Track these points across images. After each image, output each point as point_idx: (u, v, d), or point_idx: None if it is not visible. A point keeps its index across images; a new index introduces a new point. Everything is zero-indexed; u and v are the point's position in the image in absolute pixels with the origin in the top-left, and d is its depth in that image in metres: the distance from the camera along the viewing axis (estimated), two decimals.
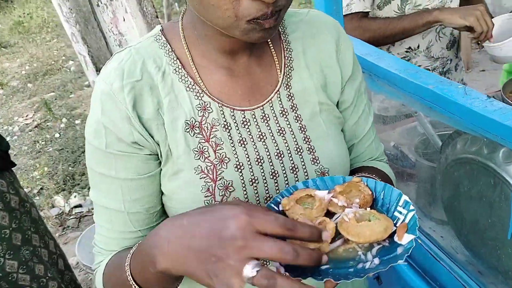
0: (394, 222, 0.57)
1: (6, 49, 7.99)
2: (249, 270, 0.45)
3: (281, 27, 0.75)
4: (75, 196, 3.42)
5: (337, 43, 0.76)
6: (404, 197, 0.59)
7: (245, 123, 0.69)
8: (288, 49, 0.74)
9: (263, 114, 0.71)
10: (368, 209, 0.60)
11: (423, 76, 0.94)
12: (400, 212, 0.58)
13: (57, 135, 4.54)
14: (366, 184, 0.63)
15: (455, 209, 0.97)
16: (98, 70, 1.96)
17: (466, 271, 0.99)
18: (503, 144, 0.76)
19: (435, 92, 0.87)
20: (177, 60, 0.68)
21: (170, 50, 0.68)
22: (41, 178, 3.78)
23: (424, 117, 1.14)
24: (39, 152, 4.28)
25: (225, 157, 0.68)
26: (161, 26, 0.72)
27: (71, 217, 3.30)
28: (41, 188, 3.65)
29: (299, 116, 0.73)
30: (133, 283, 0.59)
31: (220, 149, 0.68)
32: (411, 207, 0.57)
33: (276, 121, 0.71)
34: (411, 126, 1.32)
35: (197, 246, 0.49)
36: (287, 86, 0.72)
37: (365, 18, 1.44)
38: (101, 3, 1.95)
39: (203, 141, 0.67)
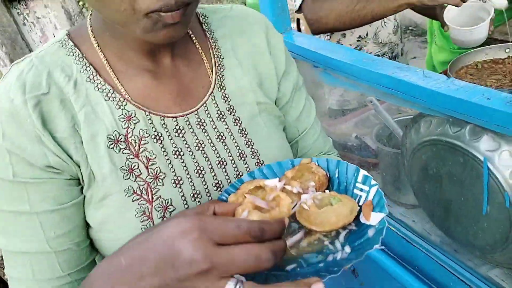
0: (356, 201, 0.52)
1: None
2: (231, 285, 0.38)
3: (205, 25, 0.70)
4: None
5: (267, 38, 0.73)
6: (362, 172, 0.53)
7: (179, 131, 0.63)
8: (217, 47, 0.68)
9: (199, 120, 0.64)
10: (327, 191, 0.54)
11: (380, 64, 0.94)
12: (361, 189, 0.53)
13: None
14: (317, 164, 0.58)
15: (425, 191, 0.97)
16: None
17: (442, 251, 1.00)
18: (470, 121, 0.77)
19: (395, 78, 0.87)
20: (90, 66, 0.59)
21: (80, 56, 0.60)
22: None
23: (380, 105, 1.15)
24: None
25: (160, 172, 0.60)
26: (67, 30, 0.64)
27: None
28: None
29: (238, 119, 0.68)
30: None
31: (153, 164, 0.60)
32: (373, 182, 0.51)
33: (214, 126, 0.66)
34: (368, 115, 1.33)
35: (149, 286, 0.40)
36: (221, 87, 0.67)
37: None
38: (28, 21, 1.81)
39: (132, 156, 0.59)
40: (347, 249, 0.46)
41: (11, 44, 1.73)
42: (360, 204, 0.52)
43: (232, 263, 0.38)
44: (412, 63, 4.18)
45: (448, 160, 0.86)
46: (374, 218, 0.48)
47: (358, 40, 1.54)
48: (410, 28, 4.86)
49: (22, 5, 1.79)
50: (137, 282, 0.40)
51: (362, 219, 0.49)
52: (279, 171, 0.60)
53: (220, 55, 0.68)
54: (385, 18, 1.51)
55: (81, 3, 1.90)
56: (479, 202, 0.82)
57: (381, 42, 1.58)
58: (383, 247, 0.67)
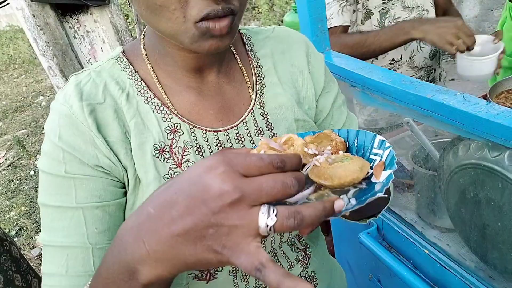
0: (371, 164, 0.51)
1: None
2: (265, 218, 0.37)
3: (248, 45, 0.73)
4: None
5: (308, 57, 0.75)
6: (379, 137, 0.53)
7: (219, 144, 0.65)
8: (258, 66, 0.71)
9: (238, 135, 0.67)
10: (341, 152, 0.54)
11: (418, 86, 0.95)
12: (376, 154, 0.52)
13: (32, 172, 4.39)
14: (337, 134, 0.58)
15: (462, 215, 0.96)
16: None
17: (477, 277, 0.99)
18: (510, 146, 0.77)
19: (434, 101, 0.88)
20: (142, 82, 0.64)
21: (133, 71, 0.64)
22: (18, 218, 3.63)
23: (416, 126, 1.15)
24: (14, 191, 4.12)
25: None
26: (122, 47, 0.68)
27: None
28: (20, 229, 3.50)
29: (275, 135, 0.70)
30: None
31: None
32: (387, 145, 0.51)
33: (252, 141, 0.68)
34: (404, 136, 1.33)
35: (182, 228, 0.39)
36: (261, 104, 0.69)
37: (343, 34, 1.46)
38: (78, 35, 1.92)
39: (175, 166, 0.62)
40: (353, 201, 0.46)
41: (62, 55, 1.83)
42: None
43: (261, 190, 0.38)
44: (450, 85, 4.12)
45: (486, 184, 0.85)
46: (383, 176, 0.48)
47: (390, 63, 1.56)
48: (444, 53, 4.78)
49: (74, 19, 1.90)
50: (169, 227, 0.39)
51: (373, 179, 0.48)
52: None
53: (261, 74, 0.71)
54: (420, 43, 1.54)
55: (129, 19, 2.00)
56: None
57: (416, 66, 1.58)
58: (386, 195, 0.66)
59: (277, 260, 0.72)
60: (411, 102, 0.95)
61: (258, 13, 7.08)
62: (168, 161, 0.62)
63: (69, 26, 1.89)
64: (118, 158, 0.60)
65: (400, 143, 1.31)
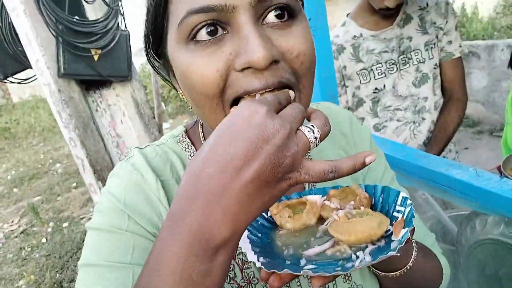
0: (394, 221, 0.50)
1: None
2: (311, 134, 0.42)
3: None
4: None
5: (352, 131, 0.75)
6: (402, 194, 0.52)
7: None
8: None
9: None
10: (362, 208, 0.53)
11: (432, 160, 0.97)
12: (399, 211, 0.51)
13: (43, 240, 4.38)
14: (364, 189, 0.57)
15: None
16: (95, 172, 1.96)
17: None
18: None
19: (447, 175, 0.90)
20: None
21: (194, 151, 0.65)
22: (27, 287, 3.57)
23: (433, 200, 1.15)
24: (25, 259, 4.08)
25: (253, 277, 0.60)
26: (185, 127, 0.69)
27: None
28: None
29: None
30: None
31: (247, 268, 0.60)
32: (408, 202, 0.50)
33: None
34: (419, 208, 1.32)
35: (252, 174, 0.38)
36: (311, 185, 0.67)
37: None
38: (100, 108, 2.02)
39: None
40: (368, 258, 0.45)
41: (83, 127, 1.92)
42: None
43: (295, 117, 0.42)
44: (464, 154, 4.13)
45: (506, 260, 0.84)
46: (401, 233, 0.46)
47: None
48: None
49: (97, 93, 2.02)
50: (239, 178, 0.38)
51: (393, 236, 0.47)
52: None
53: (309, 156, 0.70)
54: (401, 71, 1.52)
55: (147, 90, 2.11)
56: None
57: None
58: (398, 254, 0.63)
59: None
60: (425, 177, 0.96)
61: None
62: None
63: (92, 100, 1.99)
64: None
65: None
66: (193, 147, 0.65)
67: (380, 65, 1.50)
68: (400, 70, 1.51)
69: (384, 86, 1.52)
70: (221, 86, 0.48)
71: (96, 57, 1.83)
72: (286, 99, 0.45)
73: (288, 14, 0.48)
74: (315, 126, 0.42)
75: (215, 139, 0.40)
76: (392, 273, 0.60)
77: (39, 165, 6.72)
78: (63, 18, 1.71)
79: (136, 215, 0.57)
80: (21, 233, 4.67)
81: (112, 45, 1.86)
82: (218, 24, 0.46)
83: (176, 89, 0.59)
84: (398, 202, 0.52)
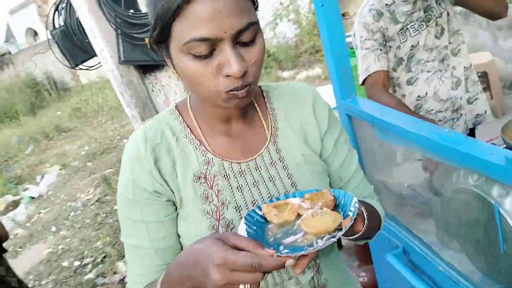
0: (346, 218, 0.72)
1: (66, 133, 8.82)
2: None
3: (267, 98, 0.94)
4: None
5: (313, 104, 0.94)
6: (355, 199, 0.74)
7: (241, 173, 0.85)
8: (273, 114, 0.92)
9: (256, 165, 0.86)
10: (325, 209, 0.74)
11: (418, 125, 1.15)
12: (352, 211, 0.73)
13: (115, 207, 4.93)
14: (332, 193, 0.79)
15: (461, 233, 1.12)
16: None
17: None
18: (484, 174, 0.95)
19: (425, 137, 1.08)
20: (187, 128, 0.86)
21: (181, 120, 0.87)
22: (103, 247, 4.10)
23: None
24: (100, 223, 4.65)
25: (226, 200, 0.83)
26: (176, 103, 0.94)
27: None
28: (104, 257, 3.95)
29: (286, 166, 0.88)
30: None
31: (221, 194, 0.83)
32: (356, 205, 0.73)
33: (267, 171, 0.87)
34: (419, 167, 1.50)
35: (187, 274, 0.68)
36: (274, 143, 0.89)
37: (386, 92, 1.65)
38: (155, 88, 2.33)
39: (208, 188, 0.83)
40: (320, 242, 0.67)
41: (142, 106, 2.24)
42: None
43: (239, 280, 0.62)
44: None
45: (473, 205, 1.02)
46: (346, 227, 0.70)
47: (417, 99, 1.76)
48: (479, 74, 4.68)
49: (153, 76, 2.32)
50: (190, 270, 0.67)
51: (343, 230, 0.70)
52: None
53: (276, 120, 0.91)
54: (442, 76, 1.74)
55: None
56: (498, 242, 0.97)
57: (442, 99, 1.77)
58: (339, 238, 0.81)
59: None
60: (413, 140, 1.15)
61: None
62: (203, 184, 0.83)
63: (149, 82, 2.30)
64: (167, 184, 0.82)
65: (416, 173, 1.48)
66: (181, 117, 0.88)
67: (413, 23, 1.71)
68: (427, 26, 1.72)
69: (418, 43, 1.73)
70: (213, 82, 0.73)
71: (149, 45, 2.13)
72: (272, 266, 0.63)
73: (251, 40, 0.74)
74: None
75: (189, 254, 0.69)
76: (354, 236, 0.82)
77: (109, 141, 7.34)
78: (120, 13, 2.01)
79: (138, 180, 0.81)
80: (96, 201, 5.26)
81: None
82: (211, 47, 0.72)
83: (174, 71, 0.82)
84: (352, 204, 0.74)
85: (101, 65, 2.34)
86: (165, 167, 0.83)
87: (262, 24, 8.41)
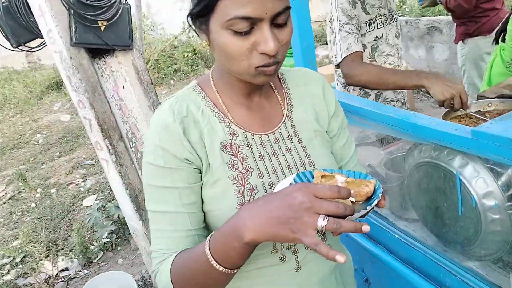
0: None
1: None
2: (321, 220, 0.65)
3: (282, 79, 1.05)
4: (62, 260, 3.48)
5: (323, 89, 1.07)
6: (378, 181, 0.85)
7: (262, 144, 0.94)
8: (288, 93, 1.03)
9: (274, 138, 0.96)
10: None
11: (384, 109, 1.31)
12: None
13: (33, 205, 4.58)
14: (375, 186, 0.84)
15: (421, 203, 1.30)
16: (102, 130, 2.22)
17: (435, 251, 1.31)
18: (447, 146, 1.12)
19: (393, 118, 1.24)
20: (211, 102, 0.94)
21: (205, 95, 0.94)
22: (22, 246, 3.81)
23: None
24: (16, 222, 4.30)
25: (250, 167, 0.91)
26: (196, 80, 1.00)
27: (59, 280, 3.35)
28: (24, 256, 3.67)
29: (301, 140, 0.98)
30: (213, 260, 0.76)
31: (245, 162, 0.91)
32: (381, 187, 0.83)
33: (284, 143, 0.97)
34: (376, 148, 1.68)
35: (276, 215, 0.68)
36: (290, 118, 1.00)
37: (368, 63, 1.83)
38: (105, 74, 2.26)
39: (234, 156, 0.91)
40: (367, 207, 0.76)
41: (92, 91, 2.16)
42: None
43: (322, 206, 0.66)
44: None
45: (434, 176, 1.19)
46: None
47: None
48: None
49: (102, 61, 2.25)
50: (268, 213, 0.69)
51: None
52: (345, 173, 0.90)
53: (290, 98, 1.02)
54: (390, 24, 1.97)
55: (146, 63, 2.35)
56: (456, 206, 1.14)
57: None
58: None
59: None
60: (377, 120, 1.30)
61: None
62: (229, 153, 0.91)
63: (98, 67, 2.23)
64: (196, 153, 0.88)
65: (376, 154, 1.66)
66: (203, 92, 0.95)
67: (380, 17, 1.90)
68: (390, 24, 1.94)
69: (382, 35, 1.93)
70: (247, 57, 0.81)
71: (102, 28, 2.07)
72: (343, 193, 0.69)
73: (284, 22, 0.82)
74: (327, 219, 0.66)
75: (271, 194, 0.73)
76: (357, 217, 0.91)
77: (19, 136, 6.77)
78: None
79: (168, 148, 0.86)
80: (9, 199, 4.84)
81: (116, 17, 2.10)
82: (251, 25, 0.79)
83: (207, 44, 0.89)
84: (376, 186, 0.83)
85: (45, 46, 2.22)
86: (193, 137, 0.89)
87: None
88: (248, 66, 0.81)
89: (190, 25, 0.89)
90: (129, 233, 3.70)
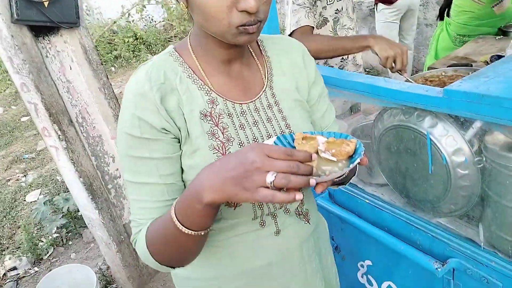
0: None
1: None
2: (270, 176, 0.66)
3: (261, 46, 1.02)
4: (9, 258, 3.26)
5: (303, 57, 1.05)
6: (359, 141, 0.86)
7: (243, 113, 0.92)
8: (268, 61, 1.01)
9: (255, 107, 0.94)
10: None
11: (354, 76, 1.32)
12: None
13: None
14: (356, 145, 0.85)
15: (390, 166, 1.34)
16: (50, 115, 2.07)
17: (404, 212, 1.36)
18: (417, 107, 1.15)
19: (364, 83, 1.26)
20: (189, 68, 0.89)
21: (182, 61, 0.90)
22: None
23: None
24: None
25: (231, 137, 0.89)
26: (173, 45, 0.95)
27: (7, 280, 3.14)
28: None
29: (281, 109, 0.98)
30: (179, 224, 0.76)
31: (226, 131, 0.89)
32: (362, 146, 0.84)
33: (265, 112, 0.95)
34: (340, 121, 1.71)
35: (230, 175, 0.68)
36: (270, 87, 0.98)
37: (315, 34, 1.84)
38: (50, 54, 2.11)
39: (214, 125, 0.88)
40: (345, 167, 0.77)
41: (37, 72, 2.00)
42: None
43: (273, 164, 0.66)
44: None
45: (404, 138, 1.23)
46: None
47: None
48: (367, 70, 5.44)
49: (46, 40, 2.08)
50: (224, 173, 0.69)
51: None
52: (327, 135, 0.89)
53: (271, 67, 0.99)
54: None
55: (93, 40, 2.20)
56: (426, 165, 1.19)
57: (357, 64, 2.08)
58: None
59: None
60: (349, 87, 1.32)
61: None
62: (209, 122, 0.88)
63: (42, 47, 2.07)
64: (174, 122, 0.85)
65: (347, 124, 1.69)
66: (181, 58, 0.91)
67: None
68: None
69: (342, 8, 1.93)
70: (227, 15, 0.77)
71: (46, 4, 1.92)
72: (298, 155, 0.70)
73: None
74: (275, 175, 0.66)
75: (229, 155, 0.72)
76: (343, 176, 0.90)
77: None
78: None
79: (144, 117, 0.82)
80: None
81: None
82: None
83: (185, 6, 0.85)
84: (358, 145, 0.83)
85: None
86: (170, 105, 0.85)
87: (128, 5, 8.01)
88: (228, 25, 0.79)
89: None
90: (80, 226, 3.55)
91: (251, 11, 0.76)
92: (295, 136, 0.84)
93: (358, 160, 0.77)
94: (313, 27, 1.84)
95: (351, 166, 0.77)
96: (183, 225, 0.76)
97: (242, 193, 0.68)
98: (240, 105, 0.92)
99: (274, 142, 0.83)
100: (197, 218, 0.75)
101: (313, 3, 1.88)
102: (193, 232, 0.77)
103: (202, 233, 0.78)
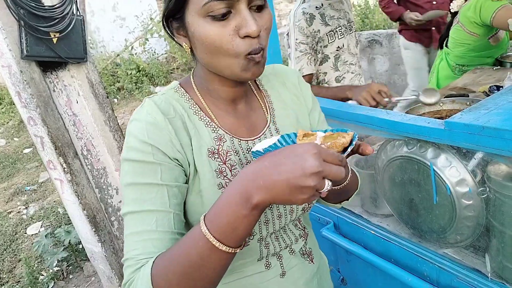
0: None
1: None
2: (327, 183, 0.65)
3: (258, 82, 1.03)
4: None
5: (300, 85, 1.06)
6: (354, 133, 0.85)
7: (248, 149, 0.91)
8: (268, 96, 1.01)
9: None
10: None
11: (357, 108, 1.35)
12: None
13: None
14: (351, 136, 0.84)
15: (394, 197, 1.35)
16: (56, 148, 2.10)
17: (410, 242, 1.36)
18: (419, 139, 1.18)
19: (367, 116, 1.28)
20: (196, 105, 0.89)
21: (189, 98, 0.89)
22: None
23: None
24: None
25: None
26: (178, 81, 0.95)
27: None
28: None
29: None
30: (215, 240, 0.66)
31: (234, 169, 0.88)
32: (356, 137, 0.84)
33: None
34: None
35: (285, 177, 0.63)
36: (274, 122, 0.99)
37: (313, 85, 1.95)
38: (57, 88, 2.15)
39: (222, 163, 0.87)
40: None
41: (44, 106, 2.04)
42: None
43: (331, 171, 0.64)
44: None
45: (408, 169, 1.25)
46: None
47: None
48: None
49: (54, 75, 2.14)
50: (278, 176, 0.63)
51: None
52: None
53: (271, 102, 0.99)
54: (350, 34, 2.07)
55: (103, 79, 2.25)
56: (431, 196, 1.20)
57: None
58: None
59: (286, 234, 0.99)
60: (352, 119, 1.34)
61: None
62: (217, 160, 0.87)
63: (50, 81, 2.12)
64: (186, 155, 0.83)
65: None
66: (187, 94, 0.90)
67: (340, 27, 1.98)
68: (350, 34, 2.03)
69: (343, 45, 2.00)
70: (232, 46, 0.77)
71: (55, 40, 1.98)
72: (344, 161, 0.70)
73: (261, 6, 0.80)
74: (329, 183, 0.65)
75: (278, 151, 0.67)
76: (336, 186, 0.93)
77: None
78: (24, 3, 1.84)
79: (158, 145, 0.80)
80: None
81: (69, 29, 2.01)
82: (228, 7, 0.76)
83: (182, 47, 0.86)
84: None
85: None
86: (183, 138, 0.84)
87: (131, 38, 8.16)
88: (236, 55, 0.78)
89: (167, 31, 0.86)
90: (81, 259, 3.51)
91: (253, 35, 0.76)
92: (298, 132, 0.83)
93: (349, 150, 0.76)
94: (312, 74, 1.96)
95: (345, 154, 0.76)
96: (220, 241, 0.67)
97: (297, 196, 0.64)
98: (246, 141, 0.92)
99: (278, 140, 0.81)
100: (241, 228, 0.67)
101: (314, 46, 1.94)
102: (231, 249, 0.68)
103: (238, 250, 0.71)
